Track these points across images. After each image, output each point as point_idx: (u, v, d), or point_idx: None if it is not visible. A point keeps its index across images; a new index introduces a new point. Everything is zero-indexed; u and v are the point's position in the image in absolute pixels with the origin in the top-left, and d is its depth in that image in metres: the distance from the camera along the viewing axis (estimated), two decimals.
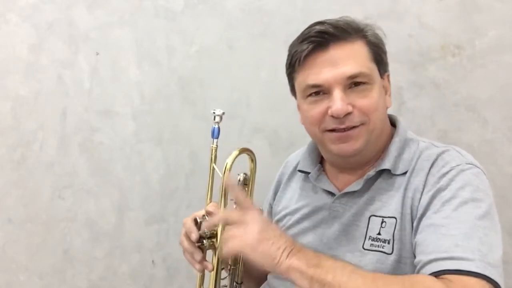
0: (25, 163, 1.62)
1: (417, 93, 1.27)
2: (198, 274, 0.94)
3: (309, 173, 0.97)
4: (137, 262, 1.59)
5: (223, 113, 0.90)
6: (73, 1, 1.56)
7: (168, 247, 1.55)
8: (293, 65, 0.89)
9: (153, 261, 1.58)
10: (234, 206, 0.91)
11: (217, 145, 0.91)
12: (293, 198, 1.01)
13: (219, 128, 0.90)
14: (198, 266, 0.88)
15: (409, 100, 1.29)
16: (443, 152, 0.85)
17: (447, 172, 0.81)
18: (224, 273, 0.97)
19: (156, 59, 1.52)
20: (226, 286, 0.96)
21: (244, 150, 0.89)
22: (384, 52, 0.91)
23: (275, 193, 1.08)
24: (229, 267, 0.96)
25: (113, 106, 1.56)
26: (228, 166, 0.85)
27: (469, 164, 0.82)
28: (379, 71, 0.89)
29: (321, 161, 1.00)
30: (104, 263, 1.61)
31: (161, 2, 1.50)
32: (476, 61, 1.23)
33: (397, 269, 0.81)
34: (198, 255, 0.87)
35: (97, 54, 1.56)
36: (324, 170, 0.98)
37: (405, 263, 0.80)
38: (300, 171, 1.01)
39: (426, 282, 0.68)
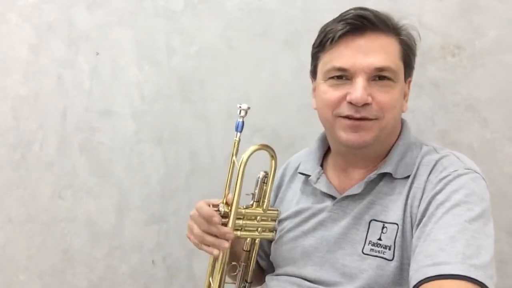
0: (25, 163, 1.62)
1: (417, 93, 1.27)
2: (209, 266, 0.93)
3: (309, 176, 0.97)
4: (137, 262, 1.59)
5: (249, 108, 0.91)
6: (73, 1, 1.56)
7: (168, 247, 1.55)
8: (324, 44, 0.87)
9: (153, 261, 1.58)
10: (252, 202, 0.92)
11: (239, 139, 0.92)
12: (294, 200, 1.00)
13: (243, 122, 0.91)
14: (224, 244, 0.87)
15: (409, 100, 1.29)
16: (442, 158, 0.85)
17: (444, 177, 0.81)
18: (233, 269, 0.98)
19: (156, 59, 1.52)
20: (235, 283, 0.97)
21: (263, 147, 0.90)
22: (414, 55, 0.91)
23: (276, 195, 1.07)
24: (240, 263, 0.96)
25: (113, 106, 1.56)
26: (244, 160, 0.87)
27: (467, 169, 0.82)
28: (405, 72, 0.88)
29: (322, 163, 0.99)
30: (104, 263, 1.61)
31: (161, 2, 1.50)
32: (476, 61, 1.23)
33: (397, 275, 0.81)
34: (230, 234, 0.87)
35: (97, 54, 1.56)
36: (324, 172, 0.96)
37: (406, 269, 0.79)
38: (301, 173, 1.00)
39: None
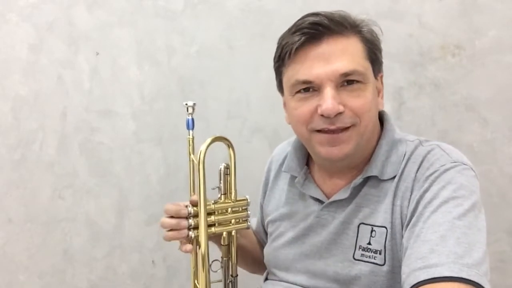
0: (25, 163, 1.62)
1: (417, 93, 1.27)
2: (192, 270, 0.92)
3: (295, 177, 0.94)
4: (137, 262, 1.59)
5: (195, 104, 0.92)
6: (73, 1, 1.56)
7: (168, 247, 1.55)
8: (283, 58, 0.83)
9: (153, 261, 1.58)
10: (219, 195, 0.92)
11: (193, 136, 0.91)
12: (281, 199, 0.98)
13: (193, 119, 0.91)
14: (183, 232, 0.87)
15: (409, 100, 1.29)
16: (428, 153, 0.81)
17: (430, 175, 0.77)
18: (216, 266, 0.97)
19: (156, 59, 1.52)
20: (221, 281, 0.96)
21: (218, 138, 0.88)
22: (379, 50, 0.85)
23: (265, 192, 1.05)
24: (221, 259, 0.95)
25: (113, 106, 1.56)
26: (202, 154, 0.84)
27: (453, 162, 0.78)
28: (373, 70, 0.83)
29: (307, 161, 0.95)
30: (104, 263, 1.61)
31: (161, 2, 1.50)
32: (476, 61, 1.23)
33: (391, 279, 0.79)
34: (184, 222, 0.87)
35: (97, 54, 1.56)
36: (310, 173, 0.93)
37: (398, 273, 0.77)
38: (286, 172, 0.97)
39: None
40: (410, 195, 0.79)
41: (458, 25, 1.24)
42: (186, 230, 0.87)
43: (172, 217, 0.88)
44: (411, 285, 0.68)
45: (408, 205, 0.78)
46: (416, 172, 0.80)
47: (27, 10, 1.59)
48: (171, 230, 0.88)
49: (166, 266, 1.57)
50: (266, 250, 0.99)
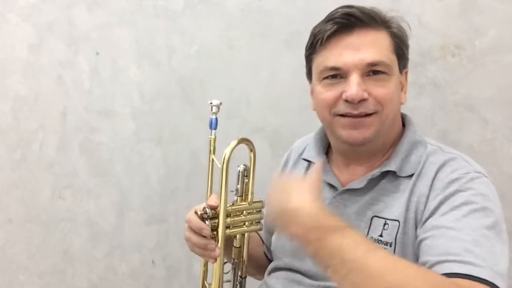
0: (25, 163, 1.62)
1: (417, 93, 1.27)
2: (202, 269, 0.92)
3: (314, 163, 0.95)
4: (137, 262, 1.59)
5: (221, 103, 0.89)
6: (73, 1, 1.56)
7: (168, 247, 1.55)
8: (315, 45, 0.87)
9: (153, 261, 1.58)
10: (235, 197, 0.91)
11: (215, 136, 0.90)
12: None
13: (216, 118, 0.90)
14: (214, 253, 0.84)
15: (409, 100, 1.29)
16: (450, 159, 0.84)
17: (457, 178, 0.79)
18: (227, 267, 0.96)
19: (156, 59, 1.52)
20: (230, 281, 0.95)
21: (242, 140, 0.87)
22: (406, 46, 0.90)
23: None
24: (232, 260, 0.95)
25: (113, 106, 1.56)
26: (226, 157, 0.84)
27: (478, 173, 0.81)
28: (399, 64, 0.88)
29: (327, 151, 0.98)
30: (104, 263, 1.61)
31: (161, 2, 1.50)
32: (476, 61, 1.23)
33: None
34: (212, 244, 0.84)
35: (97, 54, 1.56)
36: (329, 162, 0.96)
37: None
38: (305, 159, 0.99)
39: (437, 278, 0.67)
40: (429, 193, 0.81)
41: (458, 25, 1.23)
42: (214, 253, 0.85)
43: (196, 232, 0.86)
44: (442, 273, 0.68)
45: (426, 202, 0.80)
46: (436, 173, 0.82)
47: (27, 10, 1.59)
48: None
49: (166, 266, 1.57)
50: (274, 236, 1.00)
